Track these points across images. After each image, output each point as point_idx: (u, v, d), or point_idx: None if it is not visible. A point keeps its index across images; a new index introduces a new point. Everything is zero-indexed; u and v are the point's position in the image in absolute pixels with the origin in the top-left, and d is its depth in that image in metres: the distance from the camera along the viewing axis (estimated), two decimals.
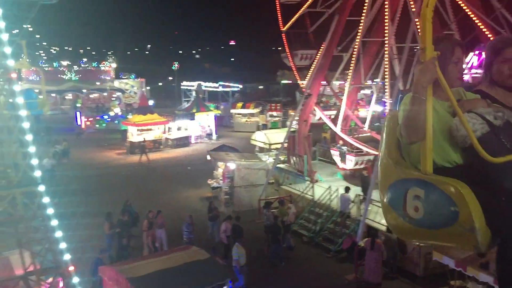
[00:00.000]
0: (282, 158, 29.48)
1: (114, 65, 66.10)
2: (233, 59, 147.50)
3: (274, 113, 48.35)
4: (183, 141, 41.13)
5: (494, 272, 11.44)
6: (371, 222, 17.72)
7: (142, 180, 30.96)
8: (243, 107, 48.63)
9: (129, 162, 36.29)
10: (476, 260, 12.10)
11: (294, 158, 25.83)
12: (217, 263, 12.62)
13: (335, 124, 24.10)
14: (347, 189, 19.76)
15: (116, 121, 48.29)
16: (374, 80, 26.11)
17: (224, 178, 24.43)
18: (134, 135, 38.69)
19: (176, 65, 66.16)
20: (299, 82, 26.86)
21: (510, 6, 16.49)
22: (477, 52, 36.37)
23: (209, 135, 43.61)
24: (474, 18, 17.11)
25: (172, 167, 34.28)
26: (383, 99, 23.98)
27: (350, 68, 23.26)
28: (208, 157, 27.08)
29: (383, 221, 17.23)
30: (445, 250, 13.10)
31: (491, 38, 16.84)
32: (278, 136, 29.63)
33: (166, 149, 39.99)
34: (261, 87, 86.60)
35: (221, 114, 49.44)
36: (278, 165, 27.35)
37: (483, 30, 17.10)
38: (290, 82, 72.93)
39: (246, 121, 48.55)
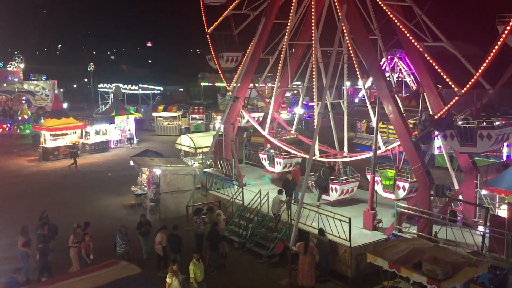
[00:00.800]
0: (208, 162, 28.95)
1: (22, 65, 61.50)
2: (150, 61, 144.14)
3: (197, 116, 47.59)
4: (102, 146, 39.17)
5: (427, 272, 11.75)
6: (303, 226, 17.63)
7: (58, 188, 28.91)
8: (164, 110, 47.34)
9: (42, 170, 33.77)
10: (409, 260, 12.32)
11: (221, 162, 25.35)
12: (149, 279, 11.76)
13: (263, 127, 23.93)
14: (280, 192, 19.56)
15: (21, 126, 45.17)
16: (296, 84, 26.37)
17: (149, 184, 23.36)
18: (47, 141, 36.11)
19: (92, 67, 62.96)
20: (226, 84, 26.39)
21: (430, 12, 17.20)
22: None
23: (129, 140, 41.86)
24: (397, 24, 17.63)
25: (91, 174, 32.41)
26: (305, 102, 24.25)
27: (278, 71, 23.19)
28: (131, 163, 25.79)
29: (314, 224, 17.39)
30: (378, 252, 13.26)
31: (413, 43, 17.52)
32: (204, 140, 28.98)
33: (84, 155, 37.75)
34: (181, 89, 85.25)
35: (141, 118, 47.76)
36: (205, 170, 26.74)
37: (406, 35, 17.69)
38: (211, 84, 72.78)
39: (168, 124, 47.37)
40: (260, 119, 26.73)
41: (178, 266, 14.44)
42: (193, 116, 47.41)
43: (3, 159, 36.38)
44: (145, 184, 25.28)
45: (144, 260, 18.30)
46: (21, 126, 45.23)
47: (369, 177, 19.04)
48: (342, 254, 16.63)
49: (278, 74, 23.29)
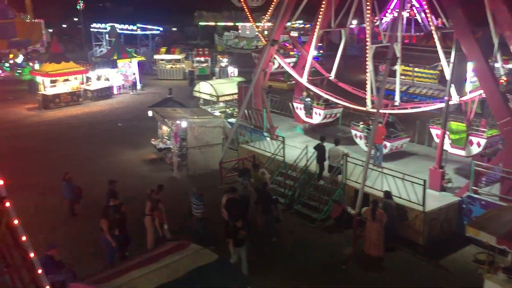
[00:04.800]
0: (229, 111, 26.69)
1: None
2: None
3: (202, 59, 44.52)
4: (105, 93, 36.36)
5: None
6: (368, 189, 15.74)
7: (67, 141, 26.48)
8: (167, 52, 44.08)
9: (45, 119, 31.15)
10: None
11: (249, 112, 23.07)
12: (229, 266, 9.84)
13: (301, 74, 21.51)
14: (337, 142, 17.51)
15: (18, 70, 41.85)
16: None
17: (176, 138, 21.07)
18: (47, 88, 33.19)
19: (82, 4, 58.42)
20: (254, 25, 23.55)
21: None
22: None
23: (133, 85, 39.02)
24: None
25: (99, 124, 29.92)
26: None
27: (321, 10, 20.44)
28: (150, 113, 23.34)
29: (383, 187, 15.54)
30: (479, 224, 11.47)
31: None
32: (226, 87, 26.49)
33: (86, 102, 35.06)
34: (174, 29, 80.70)
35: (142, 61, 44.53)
36: (229, 120, 24.52)
37: None
38: (208, 24, 68.80)
39: (171, 67, 44.33)
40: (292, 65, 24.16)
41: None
42: (198, 58, 44.33)
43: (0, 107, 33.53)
44: (166, 137, 23.04)
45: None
46: (19, 70, 41.79)
47: (434, 131, 17.10)
48: (412, 219, 14.89)
49: (321, 11, 20.45)
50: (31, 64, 42.86)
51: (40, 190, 19.62)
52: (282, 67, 23.27)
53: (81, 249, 14.98)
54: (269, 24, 22.96)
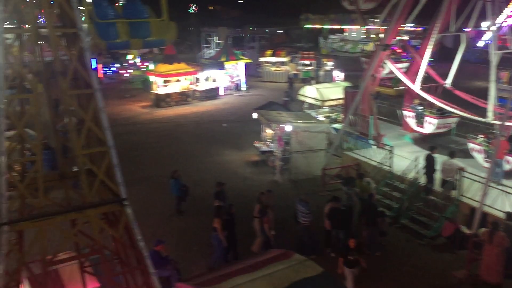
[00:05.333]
0: (333, 115, 26.12)
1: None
2: (242, 1, 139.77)
3: (307, 62, 44.28)
4: (212, 93, 37.49)
5: None
6: (487, 208, 14.40)
7: (175, 139, 27.64)
8: (273, 54, 44.45)
9: (156, 117, 32.85)
10: None
11: (355, 118, 22.31)
12: (334, 281, 9.43)
13: (413, 81, 20.36)
14: (452, 154, 16.30)
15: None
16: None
17: (280, 142, 21.00)
18: (160, 87, 35.02)
19: (194, 8, 60.99)
20: (363, 27, 22.75)
21: None
22: None
23: (237, 86, 39.89)
24: None
25: (205, 124, 30.87)
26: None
27: (440, 12, 19.17)
28: (255, 116, 23.52)
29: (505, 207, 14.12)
30: None
31: None
32: (332, 92, 25.96)
33: (194, 102, 36.45)
34: (280, 32, 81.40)
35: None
36: (333, 126, 23.96)
37: None
38: (314, 26, 68.43)
39: (276, 70, 44.62)
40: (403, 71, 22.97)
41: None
42: (302, 61, 44.17)
43: (117, 105, 35.91)
44: (269, 140, 23.08)
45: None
46: (134, 80, 44.31)
47: None
48: None
49: (440, 14, 19.19)
50: (146, 64, 45.65)
51: (150, 184, 20.62)
52: (393, 73, 22.22)
53: (186, 247, 15.39)
54: (380, 27, 22.02)
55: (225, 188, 16.71)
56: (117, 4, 39.55)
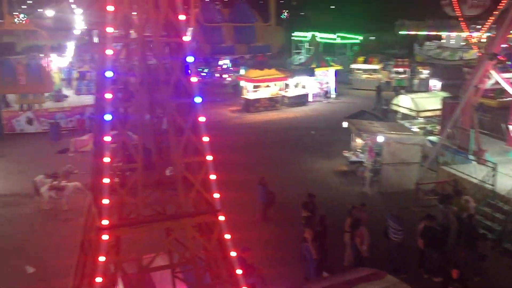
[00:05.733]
0: (428, 127, 24.82)
1: None
2: (333, 7, 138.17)
3: (400, 70, 42.63)
4: (301, 100, 37.32)
5: None
6: None
7: (262, 144, 27.76)
8: (365, 61, 43.35)
9: (245, 122, 33.28)
10: None
11: (453, 131, 20.96)
12: None
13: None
14: None
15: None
16: None
17: (371, 153, 20.28)
18: (249, 92, 35.47)
19: (286, 14, 61.18)
20: (467, 34, 21.37)
21: None
22: None
23: (327, 93, 39.33)
24: None
25: (293, 130, 30.72)
26: None
27: None
28: (345, 124, 22.95)
29: None
30: None
31: None
32: (428, 102, 24.69)
33: (283, 108, 36.47)
34: (372, 37, 79.27)
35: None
36: (429, 138, 22.72)
37: None
38: (409, 33, 65.74)
39: (367, 77, 43.46)
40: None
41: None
42: (396, 69, 42.59)
43: (208, 108, 36.56)
44: (359, 150, 22.40)
45: None
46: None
47: None
48: None
49: None
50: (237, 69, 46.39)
51: (236, 188, 20.76)
52: (498, 83, 20.61)
53: (271, 255, 15.25)
54: (484, 34, 20.56)
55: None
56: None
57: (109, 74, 6.17)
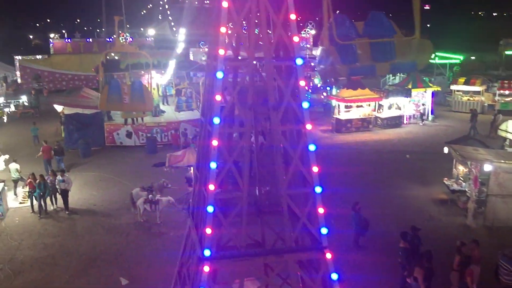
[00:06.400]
0: None
1: (313, 32, 62.61)
2: (428, 25, 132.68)
3: (506, 92, 39.53)
4: (395, 121, 35.77)
5: None
6: None
7: (354, 167, 26.71)
8: (466, 83, 40.74)
9: (336, 142, 32.45)
10: None
11: None
12: None
13: None
14: None
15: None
16: None
17: (476, 183, 18.70)
18: (341, 112, 34.67)
19: None
20: None
21: None
22: None
23: (422, 115, 37.38)
24: None
25: (387, 153, 29.40)
26: None
27: None
28: (446, 150, 21.47)
29: None
30: None
31: None
32: None
33: (375, 129, 35.20)
34: (472, 57, 74.80)
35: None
36: None
37: None
38: None
39: (468, 99, 40.75)
40: None
41: None
42: (501, 91, 39.57)
43: None
44: (461, 178, 20.79)
45: None
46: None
47: None
48: None
49: None
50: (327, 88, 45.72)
51: (329, 210, 20.07)
52: None
53: (366, 284, 14.42)
54: None
55: (398, 223, 15.40)
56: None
57: (218, 98, 5.99)
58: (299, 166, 6.36)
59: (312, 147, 6.54)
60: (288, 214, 6.64)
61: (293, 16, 6.10)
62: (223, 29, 6.14)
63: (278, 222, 6.91)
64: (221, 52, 6.00)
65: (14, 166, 23.05)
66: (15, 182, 22.73)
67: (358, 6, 72.20)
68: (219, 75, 5.98)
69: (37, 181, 20.38)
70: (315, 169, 6.68)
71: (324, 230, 6.50)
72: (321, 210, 6.67)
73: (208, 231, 6.20)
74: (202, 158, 7.07)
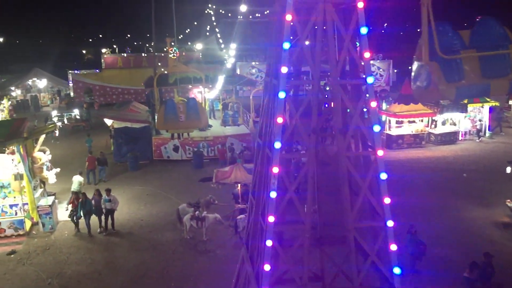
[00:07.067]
0: None
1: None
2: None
3: None
4: (449, 138, 34.21)
5: None
6: None
7: (407, 185, 25.51)
8: None
9: (386, 159, 30.39)
10: None
11: None
12: None
13: None
14: None
15: None
16: None
17: None
18: (392, 127, 33.49)
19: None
20: None
21: None
22: None
23: (479, 132, 35.60)
24: None
25: (442, 171, 27.97)
26: None
27: None
28: (509, 170, 20.09)
29: None
30: None
31: None
32: None
33: (428, 146, 33.76)
34: None
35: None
36: None
37: None
38: None
39: None
40: None
41: None
42: None
43: None
44: None
45: None
46: None
47: None
48: None
49: None
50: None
51: None
52: None
53: None
54: None
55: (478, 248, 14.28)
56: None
57: (279, 120, 5.50)
58: (368, 197, 5.75)
59: (383, 176, 5.91)
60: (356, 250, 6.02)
61: (364, 30, 5.53)
62: (286, 45, 5.64)
63: (339, 253, 6.27)
64: (284, 70, 5.49)
65: (78, 178, 23.25)
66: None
67: (460, 11, 61.03)
68: (281, 95, 5.47)
69: (80, 200, 19.96)
70: (387, 200, 6.01)
71: (397, 270, 5.80)
72: (393, 247, 5.96)
73: (267, 267, 5.64)
74: (259, 185, 6.54)
